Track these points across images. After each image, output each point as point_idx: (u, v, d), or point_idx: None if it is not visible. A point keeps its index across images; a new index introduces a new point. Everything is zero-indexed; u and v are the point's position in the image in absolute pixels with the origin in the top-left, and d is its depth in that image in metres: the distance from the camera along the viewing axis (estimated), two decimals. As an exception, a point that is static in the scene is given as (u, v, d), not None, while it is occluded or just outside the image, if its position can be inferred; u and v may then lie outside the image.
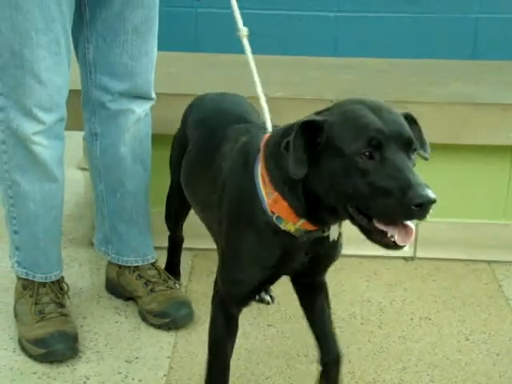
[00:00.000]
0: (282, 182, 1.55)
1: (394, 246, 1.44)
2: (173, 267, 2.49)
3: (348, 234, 2.19)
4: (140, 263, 2.36)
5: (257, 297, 2.32)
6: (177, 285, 2.39)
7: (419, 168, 2.65)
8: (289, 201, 1.55)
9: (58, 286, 2.25)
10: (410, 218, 1.41)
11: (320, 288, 1.86)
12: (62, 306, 2.21)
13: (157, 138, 2.33)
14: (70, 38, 2.05)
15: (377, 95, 2.49)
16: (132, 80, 2.17)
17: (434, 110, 2.50)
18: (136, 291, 2.35)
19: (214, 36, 3.03)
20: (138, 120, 2.23)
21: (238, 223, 1.66)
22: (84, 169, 3.41)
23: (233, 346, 1.81)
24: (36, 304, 2.18)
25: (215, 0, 3.03)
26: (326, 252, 1.70)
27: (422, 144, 1.56)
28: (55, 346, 2.09)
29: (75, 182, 3.31)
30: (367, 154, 1.41)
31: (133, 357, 2.14)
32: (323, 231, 1.61)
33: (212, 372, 1.82)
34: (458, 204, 2.66)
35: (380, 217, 1.44)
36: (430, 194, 1.38)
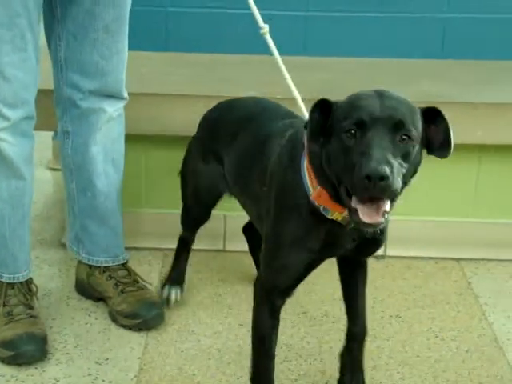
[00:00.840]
0: (322, 175, 1.58)
1: (362, 224, 1.48)
2: (180, 273, 2.38)
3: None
4: (110, 263, 2.35)
5: None
6: (147, 285, 2.38)
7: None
8: (329, 192, 1.59)
9: (27, 287, 2.22)
10: (363, 192, 1.44)
11: (361, 265, 1.92)
12: (30, 307, 2.19)
13: (127, 138, 2.32)
14: (39, 35, 2.02)
15: (347, 94, 2.52)
16: (103, 79, 2.15)
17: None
18: (106, 292, 2.33)
19: (185, 35, 3.02)
20: (110, 119, 2.22)
21: (284, 211, 1.69)
22: (53, 169, 3.39)
23: (276, 339, 1.83)
24: (4, 306, 2.16)
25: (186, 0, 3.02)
26: (373, 238, 1.67)
27: (443, 142, 1.57)
28: (24, 348, 2.07)
29: (44, 182, 3.29)
30: (352, 132, 1.47)
31: (103, 358, 2.13)
32: None
33: (260, 368, 1.85)
34: (427, 202, 2.68)
35: (352, 192, 1.48)
36: (380, 168, 1.40)
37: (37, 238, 2.77)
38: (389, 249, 2.71)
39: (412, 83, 2.70)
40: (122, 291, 2.31)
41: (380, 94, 1.52)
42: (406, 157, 1.49)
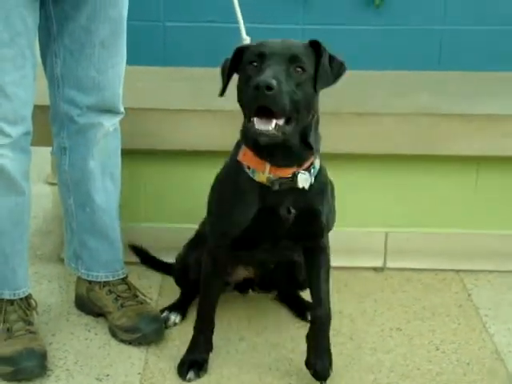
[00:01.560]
0: (246, 133, 1.84)
1: (257, 133, 1.71)
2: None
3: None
4: (110, 278, 2.34)
5: (308, 317, 2.26)
6: (147, 300, 2.37)
7: (386, 181, 2.67)
8: (252, 148, 1.84)
9: (26, 302, 2.22)
10: (254, 102, 1.68)
11: (320, 252, 2.06)
12: (30, 323, 2.18)
13: (125, 153, 2.32)
14: (35, 52, 2.04)
15: (344, 106, 2.53)
16: (99, 94, 2.16)
17: (399, 121, 2.51)
18: (106, 307, 2.33)
19: (182, 50, 3.03)
20: (107, 134, 2.22)
21: (222, 184, 1.96)
22: (52, 183, 3.38)
23: (220, 287, 2.12)
24: (4, 322, 2.15)
25: (183, 14, 3.03)
26: (308, 207, 1.90)
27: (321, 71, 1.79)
28: (23, 364, 2.06)
29: (43, 196, 3.29)
30: (254, 63, 1.75)
31: (103, 374, 2.12)
32: (292, 179, 1.84)
33: (203, 306, 2.11)
34: (426, 214, 2.69)
35: (248, 108, 1.73)
36: (267, 78, 1.65)
37: (36, 253, 2.77)
38: (388, 261, 2.72)
39: (409, 95, 2.71)
40: (121, 305, 2.30)
41: (282, 40, 1.80)
42: (298, 85, 1.72)
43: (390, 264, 2.71)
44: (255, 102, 1.68)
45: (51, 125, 2.26)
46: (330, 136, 2.51)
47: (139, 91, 2.64)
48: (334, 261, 2.66)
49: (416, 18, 3.11)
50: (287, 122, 1.73)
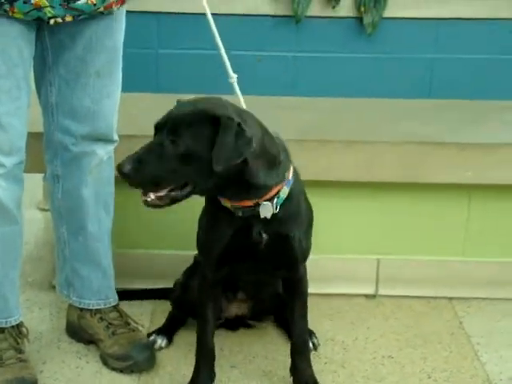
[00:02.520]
0: None
1: (144, 203, 1.84)
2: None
3: (310, 274, 2.21)
4: (102, 306, 2.33)
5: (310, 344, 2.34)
6: (139, 327, 2.36)
7: (378, 208, 2.68)
8: None
9: (18, 330, 2.21)
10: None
11: (295, 283, 2.09)
12: (20, 351, 2.17)
13: (119, 180, 2.31)
14: (30, 82, 2.04)
15: (335, 134, 2.54)
16: (94, 123, 2.16)
17: (391, 149, 2.53)
18: (97, 334, 2.32)
19: (175, 77, 3.04)
20: (101, 162, 2.22)
21: (205, 210, 2.04)
22: (43, 209, 3.37)
23: (216, 312, 2.14)
24: (-6, 350, 2.14)
25: (176, 41, 3.04)
26: (278, 233, 1.93)
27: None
28: (14, 394, 2.05)
29: (35, 222, 3.28)
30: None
31: (94, 402, 2.11)
32: (254, 209, 1.88)
33: (200, 329, 2.12)
34: (418, 241, 2.69)
35: None
36: (121, 166, 1.78)
37: (27, 279, 2.76)
38: (380, 288, 2.72)
39: (400, 123, 2.73)
40: (113, 333, 2.29)
41: (178, 104, 1.88)
42: (163, 156, 1.77)
43: (381, 291, 2.71)
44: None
45: (44, 152, 2.26)
46: (321, 164, 2.54)
47: (132, 118, 2.64)
48: (326, 288, 2.69)
49: (407, 46, 3.13)
50: (182, 187, 1.82)
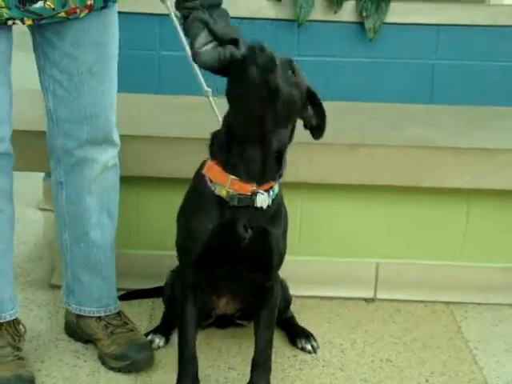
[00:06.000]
0: (218, 148, 1.87)
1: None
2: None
3: (309, 276, 2.22)
4: (102, 314, 2.32)
5: (299, 345, 2.39)
6: (137, 327, 2.36)
7: (377, 212, 2.69)
8: (218, 157, 1.87)
9: (15, 328, 2.20)
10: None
11: (267, 291, 2.04)
12: (18, 349, 2.16)
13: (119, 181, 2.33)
14: (10, 74, 2.02)
15: (337, 137, 2.55)
16: (93, 122, 2.13)
17: (392, 153, 2.54)
18: (96, 334, 2.32)
19: (177, 78, 3.05)
20: (105, 169, 2.20)
21: (187, 200, 2.00)
22: (43, 209, 3.38)
23: (192, 312, 2.04)
24: (-10, 347, 2.14)
25: (177, 43, 3.05)
26: (263, 228, 1.90)
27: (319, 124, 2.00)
28: (11, 391, 2.04)
29: (35, 222, 3.29)
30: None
31: (92, 401, 2.11)
32: (251, 197, 1.85)
33: (181, 332, 2.07)
34: (417, 246, 2.70)
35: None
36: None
37: (26, 279, 2.76)
38: (378, 292, 2.72)
39: (400, 128, 2.74)
40: (111, 333, 2.29)
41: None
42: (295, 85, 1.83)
43: (380, 295, 2.72)
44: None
45: (49, 159, 2.23)
46: (320, 167, 2.55)
47: (134, 119, 2.65)
48: (325, 291, 2.69)
49: (408, 51, 3.15)
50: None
